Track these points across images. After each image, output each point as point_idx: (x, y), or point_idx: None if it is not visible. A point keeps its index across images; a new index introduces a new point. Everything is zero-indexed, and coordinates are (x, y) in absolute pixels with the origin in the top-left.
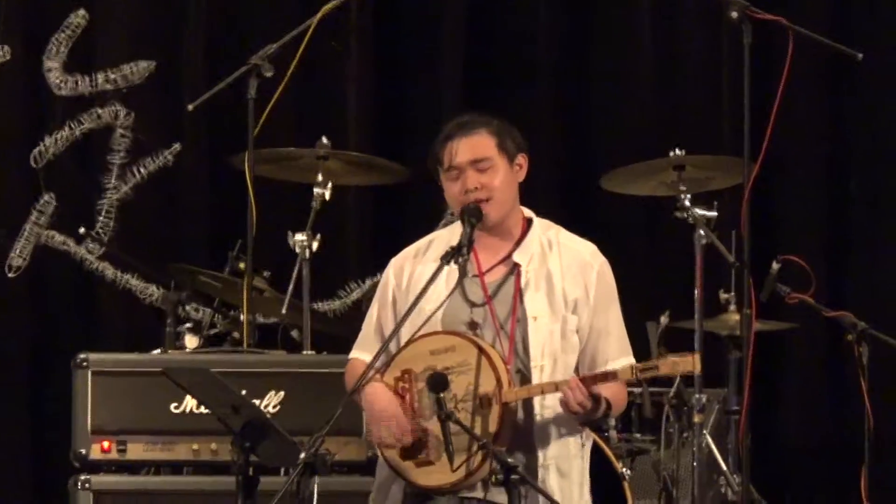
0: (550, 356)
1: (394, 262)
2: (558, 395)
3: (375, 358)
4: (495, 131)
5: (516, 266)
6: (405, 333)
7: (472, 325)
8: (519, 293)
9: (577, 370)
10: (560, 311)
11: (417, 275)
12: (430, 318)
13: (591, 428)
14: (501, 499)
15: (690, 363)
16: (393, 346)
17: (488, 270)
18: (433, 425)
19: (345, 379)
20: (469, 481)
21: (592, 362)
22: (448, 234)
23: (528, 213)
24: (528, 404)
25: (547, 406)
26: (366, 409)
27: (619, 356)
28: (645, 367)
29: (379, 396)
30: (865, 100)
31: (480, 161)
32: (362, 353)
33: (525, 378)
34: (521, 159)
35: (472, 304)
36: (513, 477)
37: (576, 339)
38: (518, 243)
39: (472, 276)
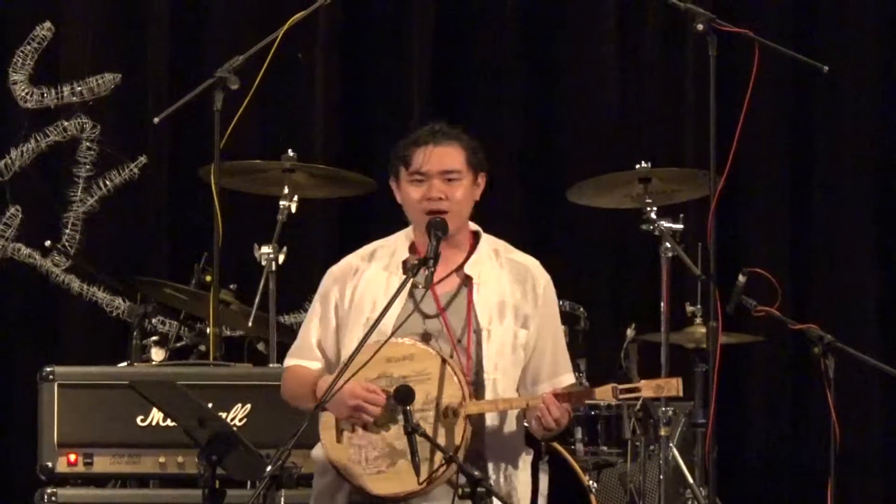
0: (502, 370)
1: (334, 271)
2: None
3: (340, 372)
4: (466, 146)
5: (469, 278)
6: (353, 341)
7: (425, 337)
8: (472, 306)
9: (517, 385)
10: (511, 325)
11: (363, 285)
12: (374, 326)
13: (558, 441)
14: None
15: (674, 387)
16: (333, 353)
17: (439, 281)
18: (389, 433)
19: (283, 385)
20: (425, 490)
21: (536, 377)
22: (392, 243)
23: (473, 226)
24: (481, 417)
25: (499, 420)
26: (329, 406)
27: (562, 373)
28: (626, 388)
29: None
30: (830, 112)
31: (449, 172)
32: (301, 359)
33: (479, 390)
34: (482, 179)
35: (425, 315)
36: (479, 490)
37: (522, 354)
38: (468, 256)
39: (421, 287)
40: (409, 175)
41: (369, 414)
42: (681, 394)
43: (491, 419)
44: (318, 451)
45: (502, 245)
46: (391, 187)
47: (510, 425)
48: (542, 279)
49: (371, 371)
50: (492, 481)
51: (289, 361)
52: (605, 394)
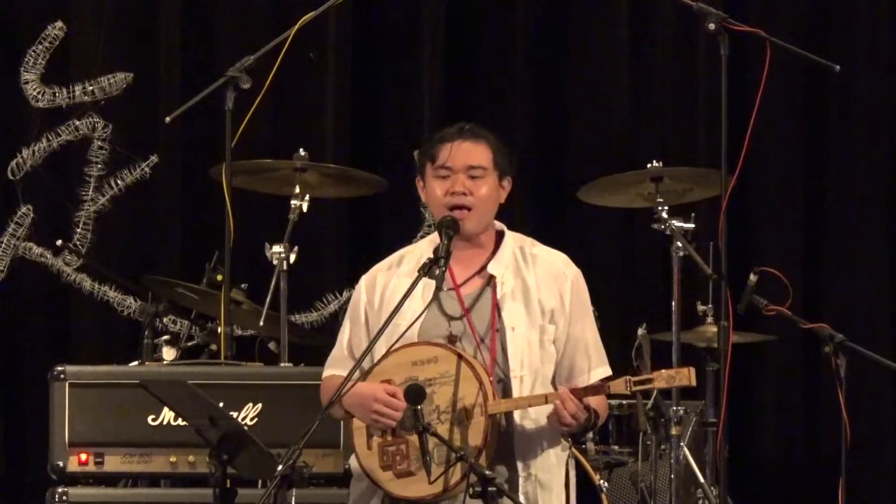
0: (529, 367)
1: (364, 279)
2: (540, 407)
3: (351, 372)
4: (494, 145)
5: (492, 278)
6: (381, 349)
7: (451, 339)
8: (496, 305)
9: (553, 380)
10: (537, 321)
11: (391, 290)
12: (405, 332)
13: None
14: None
15: (686, 377)
16: (367, 362)
17: (463, 283)
18: (414, 436)
19: (321, 396)
20: (448, 493)
21: (570, 372)
22: (419, 249)
23: (499, 225)
24: (509, 416)
25: (528, 417)
26: (352, 408)
27: (597, 366)
28: (639, 380)
29: (356, 389)
30: (843, 111)
31: (475, 168)
32: (335, 370)
33: (506, 389)
34: (507, 182)
35: (450, 318)
36: (490, 489)
37: (553, 350)
38: (492, 255)
39: (447, 290)
40: (434, 170)
41: (390, 418)
42: (693, 383)
43: (519, 418)
44: (353, 461)
45: (528, 241)
46: (417, 187)
47: (540, 423)
48: (570, 273)
49: (397, 375)
50: (521, 480)
51: (325, 372)
52: (618, 387)
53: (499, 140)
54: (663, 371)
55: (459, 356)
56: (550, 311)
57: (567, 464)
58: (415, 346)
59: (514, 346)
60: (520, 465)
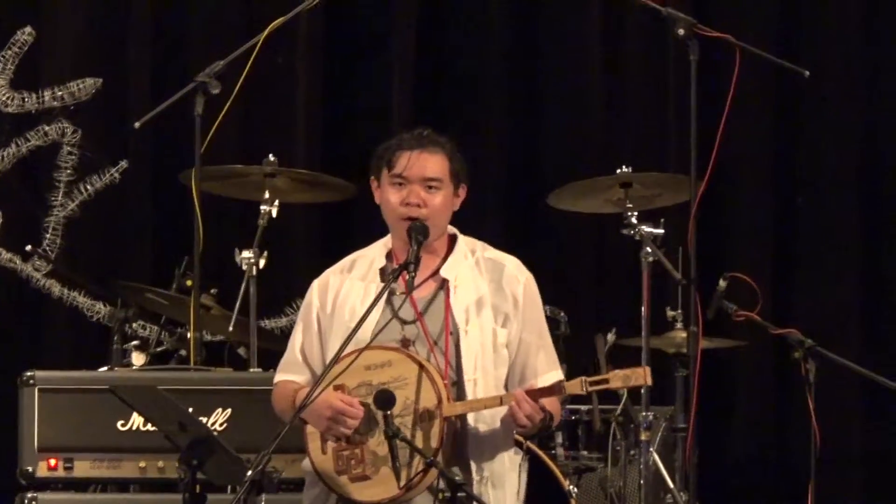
0: (483, 370)
1: (317, 283)
2: (494, 409)
3: (314, 386)
4: (450, 155)
5: (445, 282)
6: (333, 351)
7: (405, 343)
8: (450, 308)
9: (505, 384)
10: (489, 324)
11: (343, 295)
12: (353, 335)
13: (537, 444)
14: None
15: (641, 376)
16: (318, 364)
17: (417, 286)
18: (368, 438)
19: (273, 401)
20: (407, 496)
21: (522, 376)
22: (372, 252)
23: (452, 230)
24: (463, 419)
25: (482, 420)
26: (307, 417)
27: (549, 369)
28: (595, 380)
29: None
30: (814, 116)
31: (431, 180)
32: (287, 374)
33: (460, 392)
34: (462, 191)
35: (403, 322)
36: (459, 494)
37: (505, 353)
38: (444, 259)
39: (399, 293)
40: (390, 177)
41: (346, 427)
42: (649, 383)
43: (473, 420)
44: (306, 463)
45: (479, 245)
46: (371, 186)
47: (493, 426)
48: (522, 277)
49: (350, 380)
50: (475, 482)
51: (277, 377)
52: (574, 387)
53: (454, 148)
54: (618, 371)
55: (413, 359)
56: (504, 315)
57: (520, 467)
58: (367, 351)
59: (467, 350)
60: (474, 467)
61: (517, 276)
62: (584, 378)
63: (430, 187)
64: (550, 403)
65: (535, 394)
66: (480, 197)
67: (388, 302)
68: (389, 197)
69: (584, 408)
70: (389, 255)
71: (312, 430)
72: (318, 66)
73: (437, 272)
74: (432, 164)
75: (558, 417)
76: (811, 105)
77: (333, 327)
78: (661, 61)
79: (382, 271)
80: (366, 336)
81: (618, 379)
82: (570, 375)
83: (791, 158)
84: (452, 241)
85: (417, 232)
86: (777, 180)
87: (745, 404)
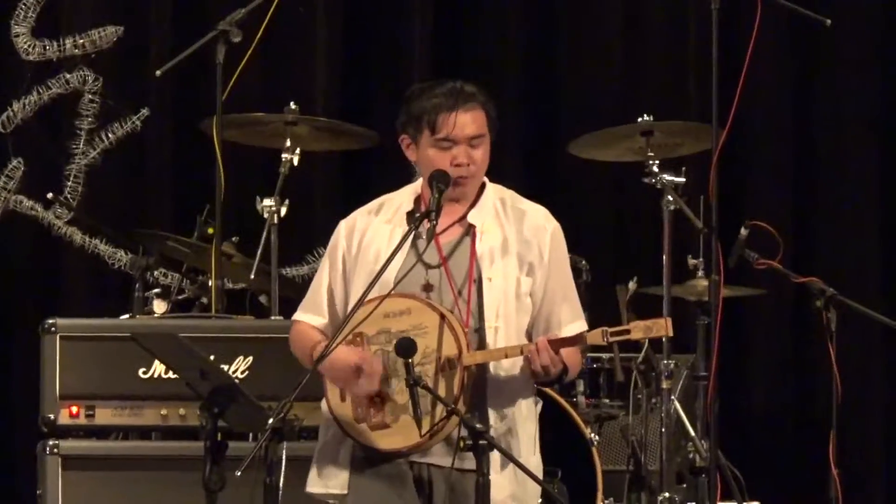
0: (504, 318)
1: (344, 224)
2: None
3: (338, 332)
4: (485, 106)
5: (472, 227)
6: (355, 294)
7: (427, 287)
8: (475, 254)
9: (528, 333)
10: (514, 272)
11: (369, 237)
12: (378, 278)
13: (558, 392)
14: (469, 464)
15: (663, 327)
16: (340, 309)
17: (442, 231)
18: (388, 386)
19: (291, 341)
20: (427, 444)
21: (547, 325)
22: (399, 197)
23: None
24: (482, 366)
25: (501, 368)
26: (326, 374)
27: (573, 320)
28: (616, 331)
29: (335, 355)
30: (834, 64)
31: (475, 137)
32: (307, 314)
33: (481, 339)
34: (494, 133)
35: (427, 266)
36: (480, 442)
37: (528, 302)
38: (472, 205)
39: (424, 239)
40: (434, 140)
41: (371, 385)
42: (670, 333)
43: (493, 369)
44: (324, 406)
45: (509, 194)
46: (402, 143)
47: (513, 374)
48: (550, 226)
49: (370, 328)
50: (493, 431)
51: (297, 315)
52: (595, 338)
53: (487, 96)
54: (640, 322)
55: (433, 307)
56: (528, 264)
57: (536, 417)
58: (386, 298)
59: (490, 297)
60: (492, 415)
61: (544, 225)
62: (605, 329)
63: (474, 145)
64: (571, 354)
65: (556, 344)
66: (501, 146)
67: (413, 246)
68: (434, 159)
69: (605, 356)
70: (418, 200)
71: None
72: (339, 14)
73: (464, 217)
74: (474, 120)
75: (579, 367)
76: (832, 51)
77: (357, 269)
78: (682, 8)
79: (409, 215)
80: (389, 280)
81: (639, 330)
82: (591, 324)
83: (813, 107)
84: (481, 187)
85: (438, 180)
86: (799, 129)
87: (767, 353)
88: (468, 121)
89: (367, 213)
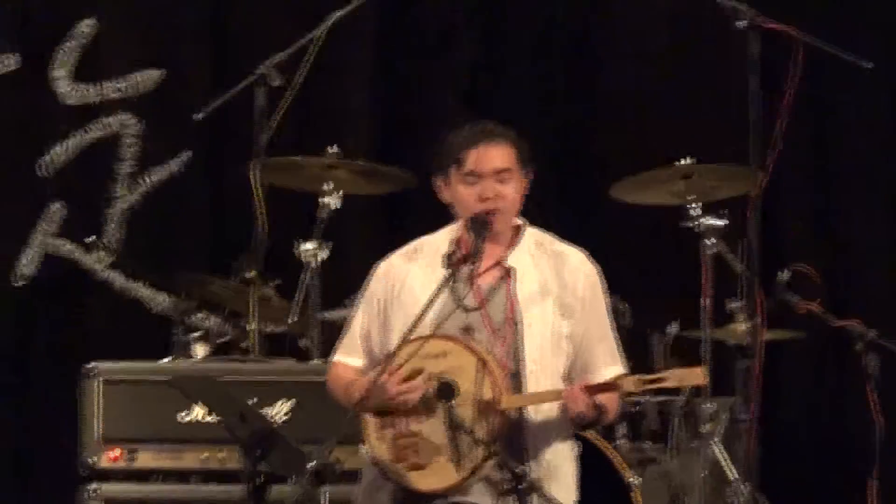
0: (542, 361)
1: (379, 268)
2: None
3: (379, 373)
4: (516, 143)
5: (510, 270)
6: (396, 337)
7: (467, 330)
8: (513, 298)
9: (566, 375)
10: (552, 316)
11: (406, 280)
12: (418, 320)
13: (601, 435)
14: None
15: (698, 376)
16: (377, 348)
17: (481, 274)
18: (425, 428)
19: (328, 381)
20: (464, 485)
21: (584, 368)
22: (436, 241)
23: (518, 219)
24: (521, 409)
25: (540, 411)
26: (372, 395)
27: (610, 363)
28: (651, 378)
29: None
30: (868, 105)
31: (502, 171)
32: (346, 356)
33: (518, 382)
34: (530, 173)
35: (466, 309)
36: (520, 486)
37: (566, 346)
38: (510, 248)
39: (463, 282)
40: (461, 175)
41: (408, 397)
42: (706, 382)
43: (532, 412)
44: (363, 449)
45: (548, 237)
46: (435, 185)
47: (551, 417)
48: (588, 270)
49: (406, 369)
50: (532, 474)
51: (335, 357)
52: (630, 384)
53: (518, 134)
54: (675, 370)
55: (473, 351)
56: (567, 307)
57: (575, 459)
58: (425, 340)
59: (528, 341)
60: (531, 458)
61: (583, 268)
62: (640, 377)
63: (501, 179)
64: (609, 398)
65: (592, 389)
66: (541, 190)
67: (452, 289)
68: (463, 195)
69: (642, 399)
70: (454, 242)
71: (370, 419)
72: (378, 57)
73: (501, 260)
74: (501, 155)
75: (617, 411)
76: (866, 94)
77: (395, 311)
78: (724, 52)
79: (447, 257)
80: (427, 323)
81: (674, 378)
82: (632, 368)
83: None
84: (517, 229)
85: (480, 225)
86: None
87: (807, 396)
88: (494, 155)
89: (403, 255)
